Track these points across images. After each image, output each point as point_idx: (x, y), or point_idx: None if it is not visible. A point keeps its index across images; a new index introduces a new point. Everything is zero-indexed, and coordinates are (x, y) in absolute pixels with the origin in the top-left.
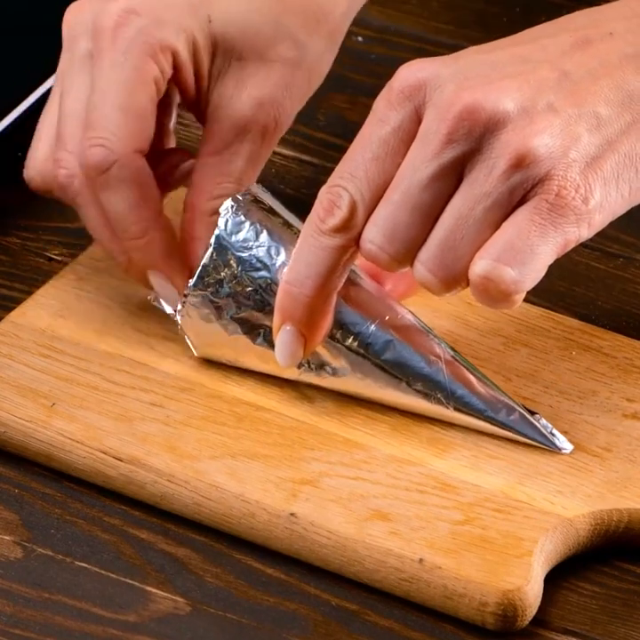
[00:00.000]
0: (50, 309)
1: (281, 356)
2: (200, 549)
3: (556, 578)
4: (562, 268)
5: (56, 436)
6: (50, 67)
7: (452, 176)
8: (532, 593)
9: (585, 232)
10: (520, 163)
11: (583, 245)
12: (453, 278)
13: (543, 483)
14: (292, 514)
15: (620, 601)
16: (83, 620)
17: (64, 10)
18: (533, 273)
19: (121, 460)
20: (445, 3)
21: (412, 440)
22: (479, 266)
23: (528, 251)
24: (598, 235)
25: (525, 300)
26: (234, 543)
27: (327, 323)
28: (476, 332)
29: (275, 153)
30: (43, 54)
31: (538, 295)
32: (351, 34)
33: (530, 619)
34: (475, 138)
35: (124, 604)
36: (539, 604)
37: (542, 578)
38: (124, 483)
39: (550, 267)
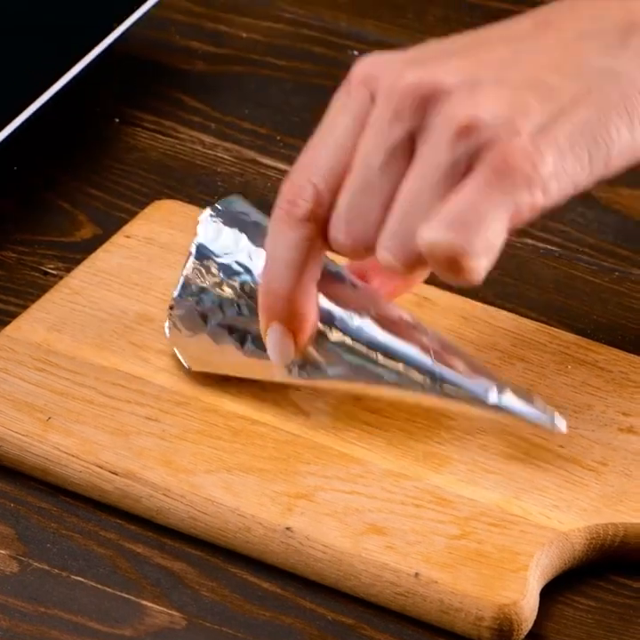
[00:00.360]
0: (45, 323)
1: (274, 356)
2: (196, 563)
3: (551, 592)
4: (557, 282)
5: (52, 451)
6: (44, 81)
7: (405, 156)
8: (528, 607)
9: (540, 198)
10: (465, 131)
11: (578, 259)
12: (413, 256)
13: (539, 497)
14: (287, 528)
15: (615, 615)
16: (79, 634)
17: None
18: (482, 241)
19: (117, 475)
20: (441, 17)
21: (408, 454)
22: (424, 234)
23: (473, 216)
24: (594, 249)
25: (520, 313)
26: (230, 557)
27: (313, 316)
28: (471, 346)
29: (269, 167)
30: (38, 69)
31: (533, 309)
32: (347, 48)
33: (526, 633)
34: (420, 114)
35: (120, 618)
36: (534, 618)
37: (538, 592)
38: (120, 497)
39: (545, 280)
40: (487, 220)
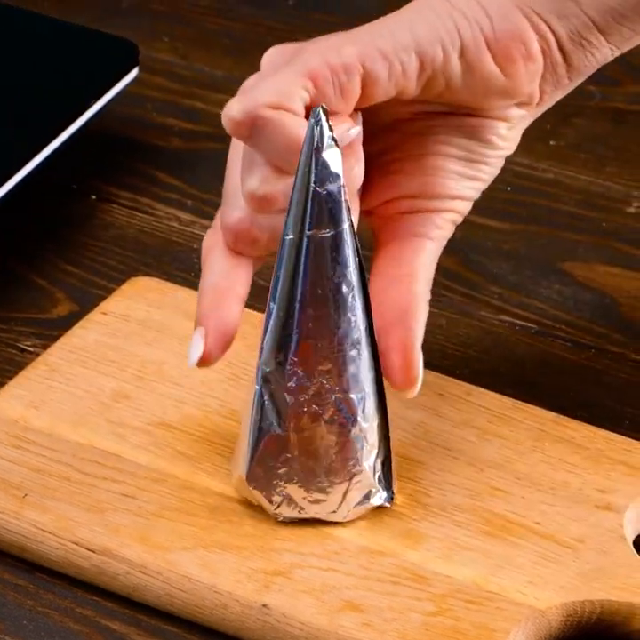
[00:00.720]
0: (22, 400)
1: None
2: None
3: None
4: (534, 359)
5: (28, 528)
6: (20, 158)
7: None
8: None
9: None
10: None
11: (555, 336)
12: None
13: (515, 574)
14: (264, 605)
15: None
16: None
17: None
18: (260, 93)
19: (93, 552)
20: None
21: (385, 531)
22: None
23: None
24: (570, 325)
25: (497, 390)
26: (206, 634)
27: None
28: (448, 423)
29: None
30: (14, 146)
31: (509, 385)
32: None
33: None
34: None
35: None
36: None
37: None
38: (97, 574)
39: (522, 357)
40: (271, 80)
